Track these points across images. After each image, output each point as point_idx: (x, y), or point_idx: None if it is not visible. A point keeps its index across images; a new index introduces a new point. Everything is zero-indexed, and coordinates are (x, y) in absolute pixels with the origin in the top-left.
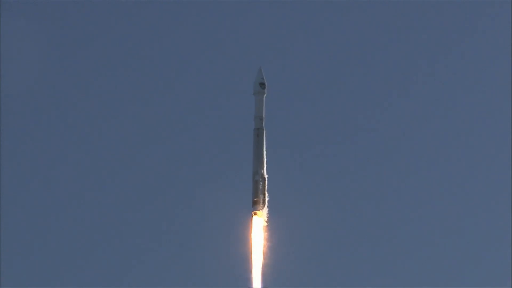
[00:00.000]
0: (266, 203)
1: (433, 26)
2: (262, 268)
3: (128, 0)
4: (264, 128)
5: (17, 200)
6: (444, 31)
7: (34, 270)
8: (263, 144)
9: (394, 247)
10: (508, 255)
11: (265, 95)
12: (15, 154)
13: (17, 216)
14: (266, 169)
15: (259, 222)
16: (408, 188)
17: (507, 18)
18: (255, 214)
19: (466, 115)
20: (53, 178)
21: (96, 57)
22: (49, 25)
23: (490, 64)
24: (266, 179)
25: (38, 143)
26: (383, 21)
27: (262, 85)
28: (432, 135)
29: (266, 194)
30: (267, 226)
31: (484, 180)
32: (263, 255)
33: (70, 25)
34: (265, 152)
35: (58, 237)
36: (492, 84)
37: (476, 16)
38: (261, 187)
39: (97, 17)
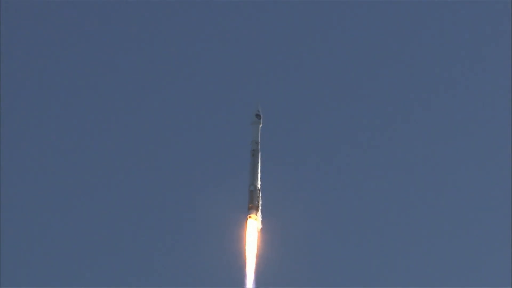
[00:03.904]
0: (260, 209)
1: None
2: (256, 259)
3: (135, 33)
4: (259, 150)
5: (17, 200)
6: (437, 38)
7: (34, 270)
8: (258, 162)
9: (388, 248)
10: (508, 255)
11: (261, 125)
12: (15, 154)
13: (17, 216)
14: (261, 182)
15: (253, 224)
16: (396, 192)
17: (507, 19)
18: (249, 217)
19: (466, 116)
20: (53, 179)
21: (106, 70)
22: (49, 24)
23: (490, 66)
24: (259, 189)
25: (38, 143)
26: (370, 53)
27: (258, 116)
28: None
29: (260, 202)
30: (260, 226)
31: (484, 181)
32: (257, 249)
33: (71, 25)
34: (259, 169)
35: (58, 237)
36: (492, 85)
37: (476, 19)
38: (255, 196)
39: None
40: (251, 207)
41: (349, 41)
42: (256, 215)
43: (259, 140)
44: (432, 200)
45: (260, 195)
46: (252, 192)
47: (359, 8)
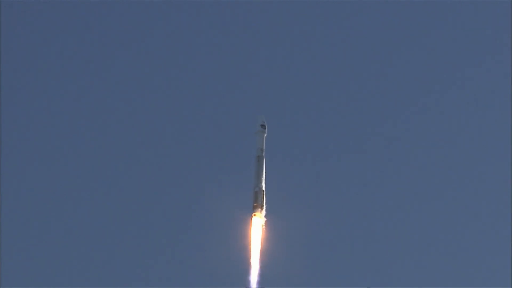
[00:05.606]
0: (264, 207)
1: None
2: (260, 254)
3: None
4: (263, 156)
5: (17, 200)
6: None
7: (34, 270)
8: (263, 167)
9: (389, 248)
10: (508, 255)
11: (266, 134)
12: (15, 154)
13: (17, 216)
14: (264, 184)
15: (257, 221)
16: (398, 192)
17: (507, 20)
18: (254, 215)
19: (466, 116)
20: (53, 179)
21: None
22: (49, 24)
23: (490, 67)
24: (264, 191)
25: (38, 144)
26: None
27: (263, 126)
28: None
29: (264, 201)
30: (263, 224)
31: (484, 181)
32: (261, 244)
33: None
34: (264, 172)
35: (58, 237)
36: (492, 86)
37: (476, 20)
38: (259, 196)
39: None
40: (256, 206)
41: (349, 49)
42: (260, 213)
43: (264, 147)
44: (435, 201)
45: (264, 195)
46: (257, 192)
47: (361, 12)
